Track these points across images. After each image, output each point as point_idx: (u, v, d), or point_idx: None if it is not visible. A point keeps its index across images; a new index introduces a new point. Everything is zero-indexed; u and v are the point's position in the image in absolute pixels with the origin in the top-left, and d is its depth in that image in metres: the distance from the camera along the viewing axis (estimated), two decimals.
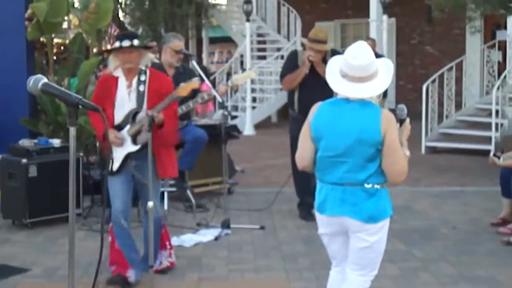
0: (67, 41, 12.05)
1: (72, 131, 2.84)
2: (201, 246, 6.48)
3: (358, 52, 3.73)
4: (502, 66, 13.78)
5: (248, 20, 16.47)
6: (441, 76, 12.76)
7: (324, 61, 7.01)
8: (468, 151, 11.81)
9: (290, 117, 7.50)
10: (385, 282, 5.21)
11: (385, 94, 10.46)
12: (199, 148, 7.44)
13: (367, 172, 3.74)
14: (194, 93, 7.17)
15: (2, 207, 7.31)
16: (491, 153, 7.47)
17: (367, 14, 15.21)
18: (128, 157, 5.17)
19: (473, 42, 15.55)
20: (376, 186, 3.76)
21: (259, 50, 19.12)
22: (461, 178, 9.84)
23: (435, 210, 7.88)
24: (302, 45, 7.42)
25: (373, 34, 14.41)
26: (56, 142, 7.40)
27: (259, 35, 19.27)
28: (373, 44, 12.19)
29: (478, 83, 14.46)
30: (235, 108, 17.42)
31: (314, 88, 7.01)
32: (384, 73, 3.82)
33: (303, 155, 3.96)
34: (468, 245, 6.41)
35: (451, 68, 13.00)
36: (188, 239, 6.58)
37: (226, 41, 22.33)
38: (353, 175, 3.75)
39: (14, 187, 7.06)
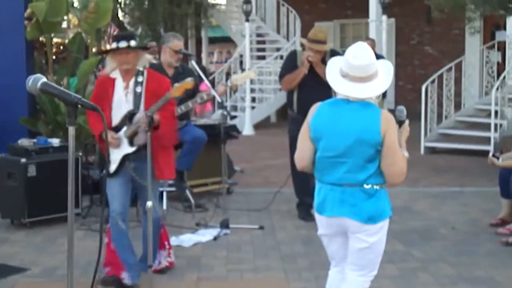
0: (66, 41, 12.05)
1: (71, 130, 2.83)
2: (200, 246, 6.47)
3: (359, 52, 3.74)
4: (501, 67, 13.80)
5: (247, 20, 16.47)
6: (440, 77, 12.77)
7: (323, 62, 7.02)
8: (467, 151, 11.81)
9: (289, 117, 7.50)
10: (384, 283, 5.21)
11: (384, 94, 10.47)
12: (198, 148, 7.43)
13: (366, 173, 3.74)
14: (194, 93, 7.19)
15: (1, 207, 7.31)
16: (490, 154, 7.47)
17: (366, 15, 15.21)
18: (125, 158, 5.14)
19: (473, 43, 15.56)
20: (375, 186, 3.76)
21: (259, 50, 19.12)
22: (460, 179, 9.84)
23: (434, 211, 7.88)
24: (302, 45, 7.41)
25: (372, 34, 14.40)
26: (55, 141, 7.40)
27: (258, 35, 19.26)
28: (372, 44, 12.20)
29: (477, 83, 14.47)
30: (235, 108, 17.42)
31: (313, 88, 7.01)
32: (384, 74, 3.83)
33: (302, 155, 3.96)
34: (467, 246, 6.41)
35: (450, 68, 13.01)
36: (187, 239, 6.58)
37: (225, 41, 22.32)
38: (352, 176, 3.75)
39: (13, 186, 7.06)
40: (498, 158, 7.06)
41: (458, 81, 13.25)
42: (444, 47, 17.30)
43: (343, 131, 3.74)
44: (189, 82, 5.09)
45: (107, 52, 5.27)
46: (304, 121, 3.96)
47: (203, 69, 8.64)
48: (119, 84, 5.14)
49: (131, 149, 5.13)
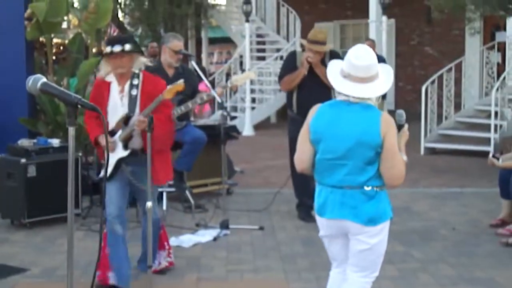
0: (66, 41, 12.05)
1: (71, 131, 2.83)
2: (200, 246, 6.47)
3: (360, 53, 3.75)
4: (501, 68, 13.79)
5: (247, 21, 16.48)
6: (440, 77, 12.77)
7: (323, 62, 7.02)
8: (467, 152, 11.81)
9: (289, 118, 7.50)
10: (384, 283, 5.20)
11: (384, 96, 10.45)
12: (197, 149, 7.42)
13: (366, 175, 3.74)
14: (193, 93, 7.19)
15: (1, 207, 7.31)
16: (490, 155, 7.46)
17: (366, 15, 15.21)
18: (120, 162, 5.09)
19: (473, 43, 15.56)
20: (375, 188, 3.76)
21: (259, 50, 19.11)
22: (460, 179, 9.84)
23: (434, 211, 7.88)
24: (302, 46, 7.41)
25: (372, 35, 14.41)
26: (55, 142, 7.40)
27: (258, 35, 19.27)
28: (372, 45, 12.20)
29: (477, 84, 14.47)
30: (235, 108, 17.43)
31: (313, 89, 7.02)
32: (384, 76, 3.84)
33: (302, 158, 3.95)
34: (467, 246, 6.41)
35: (450, 69, 13.01)
36: (187, 240, 6.58)
37: (225, 42, 22.34)
38: (352, 178, 3.75)
39: (13, 187, 7.06)
40: (498, 159, 7.06)
41: (458, 82, 13.25)
42: (444, 48, 17.30)
43: (343, 133, 3.74)
44: (180, 84, 5.02)
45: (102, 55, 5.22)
46: (303, 121, 3.95)
47: (203, 70, 8.64)
48: (114, 87, 5.09)
49: (125, 153, 5.08)
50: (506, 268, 5.76)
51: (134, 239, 5.83)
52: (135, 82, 5.07)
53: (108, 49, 4.98)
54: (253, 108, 16.91)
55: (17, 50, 8.45)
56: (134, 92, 5.06)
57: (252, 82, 16.83)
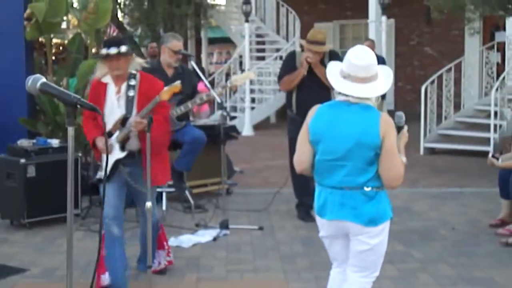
0: (66, 41, 12.05)
1: (71, 131, 2.82)
2: (200, 246, 6.47)
3: (360, 53, 3.76)
4: (501, 68, 13.79)
5: (247, 21, 16.47)
6: (440, 77, 12.77)
7: (322, 63, 7.02)
8: (467, 152, 11.81)
9: (288, 118, 7.49)
10: (384, 283, 5.20)
11: (383, 96, 10.46)
12: (197, 149, 7.42)
13: (366, 176, 3.74)
14: (193, 93, 7.19)
15: (1, 207, 7.30)
16: (490, 154, 7.46)
17: (366, 15, 15.21)
18: (117, 163, 5.07)
19: (472, 43, 15.56)
20: (375, 189, 3.76)
21: (258, 50, 19.12)
22: (460, 179, 9.84)
23: (434, 211, 7.88)
24: (301, 46, 7.41)
25: (372, 35, 14.41)
26: (54, 142, 7.40)
27: (258, 35, 19.27)
28: (372, 45, 12.22)
29: (477, 84, 14.47)
30: (234, 108, 17.43)
31: (312, 89, 7.02)
32: (384, 77, 3.85)
33: (301, 159, 3.95)
34: (467, 246, 6.41)
35: (450, 69, 13.00)
36: (186, 240, 6.58)
37: (225, 42, 22.33)
38: (352, 179, 3.75)
39: (13, 187, 7.06)
40: (497, 159, 7.06)
41: (457, 82, 13.25)
42: (443, 48, 17.31)
43: (343, 134, 3.74)
44: (177, 85, 4.98)
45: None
46: (303, 121, 3.95)
47: (202, 70, 8.64)
48: (111, 89, 5.06)
49: (122, 154, 5.06)
50: (506, 268, 5.76)
51: (134, 239, 5.83)
52: (132, 83, 5.04)
53: (104, 51, 4.94)
54: (252, 108, 16.91)
55: (16, 50, 8.44)
56: (131, 93, 5.03)
57: (251, 82, 16.83)
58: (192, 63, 7.51)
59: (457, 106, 13.30)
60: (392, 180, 3.75)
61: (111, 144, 5.03)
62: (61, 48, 11.80)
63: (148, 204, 4.82)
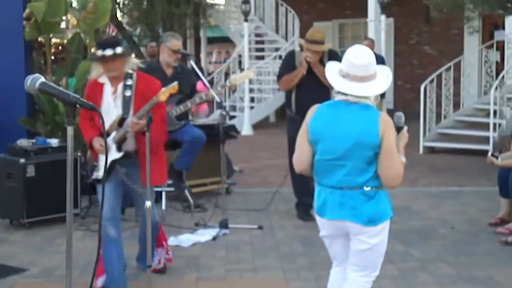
0: (65, 41, 12.04)
1: (70, 130, 2.82)
2: (199, 246, 6.47)
3: (359, 53, 3.76)
4: (500, 66, 13.79)
5: (246, 20, 16.46)
6: (439, 76, 12.76)
7: (321, 62, 7.02)
8: (466, 151, 11.80)
9: (288, 118, 7.49)
10: (384, 282, 5.20)
11: (382, 95, 10.46)
12: (197, 148, 7.41)
13: (366, 176, 3.73)
14: (192, 93, 7.19)
15: (0, 207, 7.30)
16: (489, 153, 7.46)
17: (365, 14, 15.20)
18: (114, 164, 5.05)
19: (471, 42, 15.56)
20: (375, 188, 3.76)
21: (257, 50, 19.12)
22: (459, 178, 9.84)
23: (433, 210, 7.88)
24: (300, 45, 7.41)
25: (371, 34, 14.40)
26: (54, 142, 7.40)
27: (257, 35, 19.27)
28: (371, 44, 12.21)
29: (476, 83, 14.46)
30: (233, 108, 17.42)
31: (311, 88, 7.02)
32: (383, 76, 3.85)
33: (300, 158, 3.95)
34: (467, 245, 6.41)
35: (449, 68, 13.00)
36: (186, 239, 6.58)
37: (224, 41, 22.34)
38: (352, 179, 3.75)
39: (12, 187, 7.05)
40: (497, 158, 7.06)
41: (457, 81, 13.24)
42: (442, 47, 17.31)
43: (342, 134, 3.74)
44: (174, 86, 4.92)
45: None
46: (302, 121, 3.95)
47: (201, 70, 8.63)
48: (108, 89, 5.03)
49: (118, 155, 5.03)
50: (505, 267, 5.76)
51: (134, 238, 5.82)
52: (129, 82, 5.00)
53: (99, 52, 4.90)
54: (252, 108, 16.90)
55: (15, 50, 8.43)
56: (128, 93, 4.98)
57: (251, 82, 16.83)
58: (191, 63, 7.50)
59: (457, 105, 13.30)
60: (391, 180, 3.75)
61: (108, 144, 5.00)
62: (60, 48, 11.80)
63: (148, 203, 4.82)
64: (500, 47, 13.98)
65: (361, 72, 3.72)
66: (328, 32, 17.50)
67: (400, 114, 4.00)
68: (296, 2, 18.69)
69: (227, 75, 17.31)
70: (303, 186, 7.15)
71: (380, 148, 3.70)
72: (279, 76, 7.45)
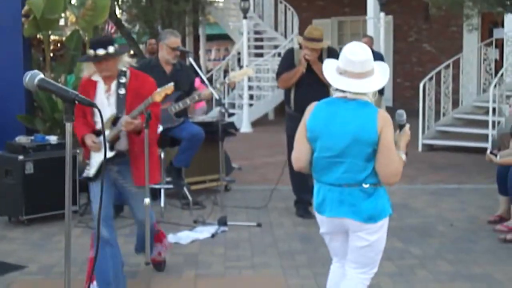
0: (64, 38, 12.03)
1: (69, 127, 2.81)
2: (198, 243, 6.47)
3: (355, 49, 3.76)
4: (499, 64, 13.80)
5: (245, 17, 16.45)
6: (438, 74, 12.76)
7: (320, 59, 7.01)
8: (465, 149, 11.81)
9: (287, 115, 7.49)
10: (382, 280, 5.21)
11: (381, 92, 10.46)
12: (196, 145, 7.41)
13: (365, 173, 3.73)
14: (190, 90, 7.19)
15: None
16: (488, 151, 7.46)
17: (364, 12, 15.19)
18: (106, 162, 4.96)
19: (470, 40, 15.56)
20: (373, 186, 3.76)
21: (256, 47, 19.10)
22: (458, 176, 9.84)
23: (432, 208, 7.88)
24: (299, 43, 7.40)
25: (370, 31, 14.39)
26: (52, 139, 7.40)
27: (256, 32, 19.25)
28: (370, 41, 12.21)
29: (475, 81, 14.46)
30: (232, 105, 17.41)
31: (310, 86, 7.01)
32: (380, 72, 3.85)
33: (299, 156, 3.95)
34: (465, 243, 6.41)
35: (448, 65, 13.00)
36: (184, 236, 6.58)
37: (223, 38, 22.30)
38: (350, 176, 3.74)
39: (11, 184, 7.05)
40: (496, 155, 7.05)
41: (456, 78, 13.24)
42: (442, 44, 17.31)
43: (340, 131, 3.73)
44: (170, 87, 4.87)
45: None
46: (301, 118, 3.95)
47: (199, 67, 8.63)
48: (101, 87, 4.96)
49: (110, 154, 4.93)
50: (504, 264, 5.76)
51: (133, 235, 5.82)
52: (123, 80, 4.93)
53: (91, 52, 4.81)
54: (251, 105, 16.89)
55: (14, 47, 8.43)
56: (122, 91, 4.91)
57: (250, 79, 16.80)
58: (190, 60, 7.49)
59: (456, 103, 13.30)
60: (389, 177, 3.74)
61: (100, 142, 4.92)
62: (59, 45, 11.81)
63: (147, 200, 4.81)
64: (499, 44, 13.98)
65: (358, 69, 3.72)
66: (327, 29, 17.54)
67: (401, 112, 3.99)
68: None
69: (226, 72, 17.30)
70: (302, 183, 7.15)
71: (378, 145, 3.70)
72: (278, 74, 7.45)
